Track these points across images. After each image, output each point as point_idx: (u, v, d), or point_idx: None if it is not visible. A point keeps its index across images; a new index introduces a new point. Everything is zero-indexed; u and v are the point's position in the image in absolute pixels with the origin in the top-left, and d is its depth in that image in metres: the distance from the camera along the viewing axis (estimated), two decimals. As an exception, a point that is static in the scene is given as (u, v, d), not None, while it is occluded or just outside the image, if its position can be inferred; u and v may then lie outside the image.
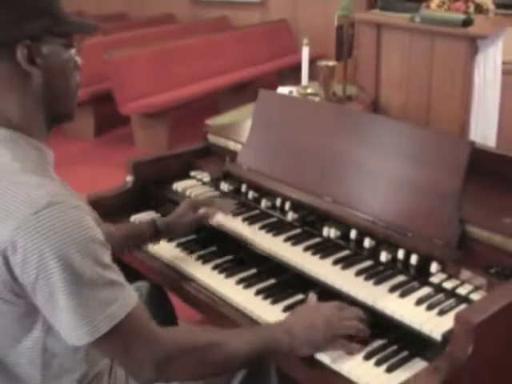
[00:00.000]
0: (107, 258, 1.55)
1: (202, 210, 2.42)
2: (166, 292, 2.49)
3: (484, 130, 3.89)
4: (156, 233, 2.36)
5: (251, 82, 8.52)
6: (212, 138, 2.98)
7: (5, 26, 1.54)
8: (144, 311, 1.61)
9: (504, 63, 4.19)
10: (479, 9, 4.99)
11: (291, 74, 8.98)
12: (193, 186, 2.77)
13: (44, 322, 1.58)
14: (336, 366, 1.77)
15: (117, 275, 1.57)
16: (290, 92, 4.24)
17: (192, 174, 2.89)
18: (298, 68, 8.85)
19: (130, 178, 2.76)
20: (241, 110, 3.94)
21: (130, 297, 1.57)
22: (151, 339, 1.59)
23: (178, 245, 2.46)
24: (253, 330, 1.87)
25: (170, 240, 2.48)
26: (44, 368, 1.64)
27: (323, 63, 3.98)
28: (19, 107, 1.61)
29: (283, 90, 4.33)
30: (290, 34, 9.94)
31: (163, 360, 1.59)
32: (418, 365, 1.75)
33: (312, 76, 4.48)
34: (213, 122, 3.47)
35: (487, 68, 3.76)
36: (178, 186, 2.77)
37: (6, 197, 1.47)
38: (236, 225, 2.43)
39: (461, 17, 3.65)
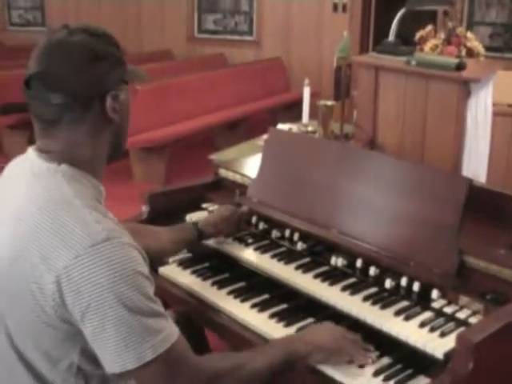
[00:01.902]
0: (152, 291, 1.68)
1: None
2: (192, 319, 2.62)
3: (475, 168, 4.05)
4: (199, 236, 2.58)
5: (245, 119, 8.71)
6: (222, 173, 3.16)
7: (98, 81, 1.69)
8: (185, 343, 1.73)
9: (494, 105, 4.38)
10: (470, 52, 5.21)
11: (284, 112, 9.19)
12: (205, 217, 2.93)
13: (82, 347, 1.69)
14: (347, 382, 1.93)
15: (160, 308, 1.69)
16: (290, 129, 4.40)
17: (203, 205, 3.06)
18: (290, 105, 9.12)
19: (145, 209, 2.92)
20: (241, 146, 4.09)
21: (173, 329, 1.69)
22: (193, 369, 1.70)
23: (193, 272, 2.61)
24: (272, 344, 2.04)
25: (185, 268, 2.65)
26: None
27: (322, 102, 4.15)
28: (92, 150, 1.75)
29: (283, 127, 4.48)
30: (284, 72, 10.15)
31: None
32: (421, 381, 1.92)
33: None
34: (216, 157, 3.62)
35: (479, 110, 3.93)
36: (192, 216, 2.93)
37: (66, 229, 1.59)
38: (249, 254, 2.61)
39: (454, 61, 3.82)
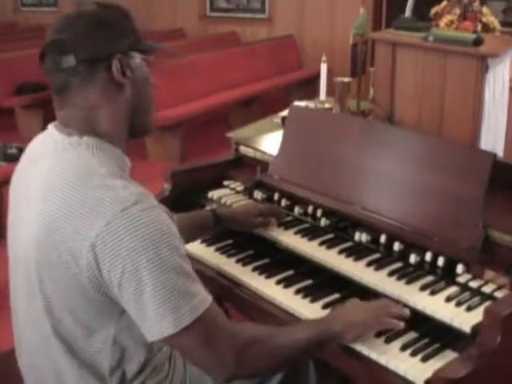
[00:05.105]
0: (184, 251, 1.70)
1: (260, 219, 2.61)
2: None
3: (493, 143, 4.05)
4: (216, 222, 2.53)
5: (258, 97, 8.70)
6: (242, 150, 3.17)
7: (103, 44, 1.73)
8: (218, 308, 1.73)
9: (511, 80, 4.36)
10: (486, 28, 5.17)
11: (297, 89, 9.18)
12: (227, 195, 2.95)
13: (119, 319, 1.71)
14: (375, 356, 1.95)
15: (193, 271, 1.70)
16: (306, 106, 4.40)
17: (225, 183, 3.08)
18: (303, 83, 9.10)
19: (167, 186, 2.94)
20: (258, 123, 4.09)
21: (206, 293, 1.69)
22: (229, 332, 1.70)
23: (217, 249, 2.63)
24: (305, 322, 2.09)
25: (209, 245, 2.66)
26: (112, 358, 1.76)
27: (339, 79, 4.15)
28: (109, 118, 1.77)
29: (299, 104, 4.48)
30: (296, 49, 10.13)
31: (241, 350, 1.70)
32: (449, 355, 1.93)
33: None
34: (234, 134, 3.62)
35: (496, 85, 3.92)
36: (214, 194, 2.96)
37: (95, 198, 1.61)
38: (272, 230, 2.62)
39: (472, 36, 3.80)
